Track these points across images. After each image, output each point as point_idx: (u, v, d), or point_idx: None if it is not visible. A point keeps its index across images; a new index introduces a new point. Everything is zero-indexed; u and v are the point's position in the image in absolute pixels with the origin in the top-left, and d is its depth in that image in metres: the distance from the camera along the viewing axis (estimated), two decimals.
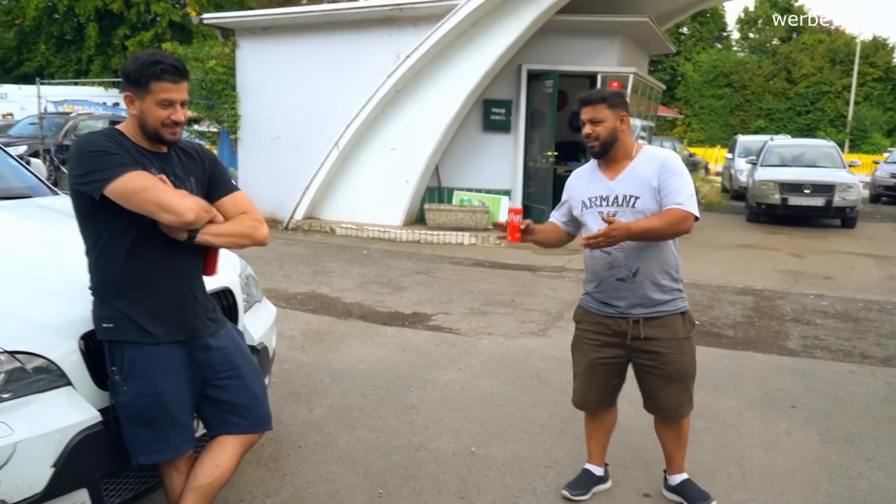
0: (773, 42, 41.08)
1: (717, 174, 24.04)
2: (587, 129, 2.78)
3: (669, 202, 2.68)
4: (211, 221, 2.25)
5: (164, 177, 2.17)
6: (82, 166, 2.12)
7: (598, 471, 3.11)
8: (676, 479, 3.04)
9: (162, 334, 2.22)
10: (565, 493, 3.03)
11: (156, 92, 2.16)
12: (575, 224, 2.98)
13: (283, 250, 8.73)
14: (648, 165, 2.77)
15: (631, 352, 2.86)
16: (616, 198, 2.78)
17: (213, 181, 2.39)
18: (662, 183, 2.71)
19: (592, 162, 2.96)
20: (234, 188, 2.45)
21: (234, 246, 2.38)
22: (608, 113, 2.76)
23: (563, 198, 3.03)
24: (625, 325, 2.81)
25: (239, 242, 2.35)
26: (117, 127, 2.28)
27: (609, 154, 2.81)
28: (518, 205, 10.32)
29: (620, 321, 2.82)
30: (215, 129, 12.44)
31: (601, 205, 2.80)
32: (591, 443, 3.12)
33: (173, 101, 2.19)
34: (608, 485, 3.12)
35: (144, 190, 2.08)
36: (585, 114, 2.78)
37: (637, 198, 2.74)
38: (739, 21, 44.32)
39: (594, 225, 2.77)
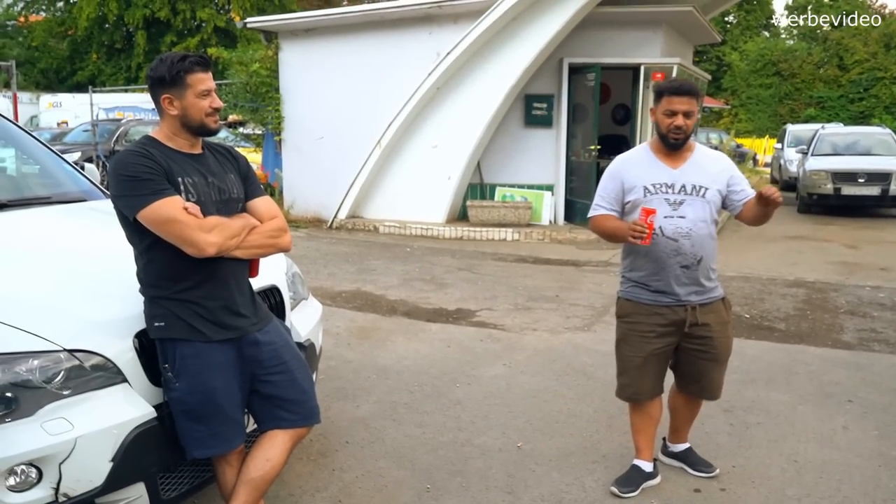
0: (824, 28, 39.86)
1: (766, 165, 23.49)
2: (679, 121, 2.78)
3: (745, 195, 2.90)
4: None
5: (194, 206, 2.19)
6: (117, 188, 2.20)
7: (647, 467, 3.07)
8: (681, 446, 3.20)
9: (211, 333, 2.27)
10: (614, 489, 3.00)
11: (194, 84, 2.24)
12: (622, 211, 2.95)
13: (327, 249, 8.84)
14: (715, 164, 2.94)
15: (683, 338, 2.91)
16: (683, 186, 2.85)
17: (246, 183, 2.47)
18: (733, 182, 2.90)
19: (644, 148, 2.98)
20: (262, 192, 2.52)
21: (259, 256, 2.42)
22: (696, 106, 2.82)
23: (614, 184, 2.94)
24: (682, 312, 2.87)
25: (264, 253, 2.42)
26: (151, 134, 2.33)
27: (684, 146, 2.87)
28: (561, 200, 10.26)
29: (678, 309, 2.87)
30: (259, 132, 12.64)
31: (666, 192, 2.85)
32: (639, 437, 3.09)
33: (210, 89, 2.27)
34: (657, 480, 3.08)
35: (170, 222, 2.13)
36: (681, 105, 2.78)
37: (707, 189, 2.85)
38: (787, 8, 43.12)
39: (660, 211, 2.79)
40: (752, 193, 2.88)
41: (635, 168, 2.93)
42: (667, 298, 2.87)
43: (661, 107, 2.83)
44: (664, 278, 2.85)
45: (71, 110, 22.27)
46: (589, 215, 3.01)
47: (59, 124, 21.47)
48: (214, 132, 2.34)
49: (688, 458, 3.17)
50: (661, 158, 2.90)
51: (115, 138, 14.64)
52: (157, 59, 2.29)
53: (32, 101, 24.17)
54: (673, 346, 2.94)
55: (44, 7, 31.28)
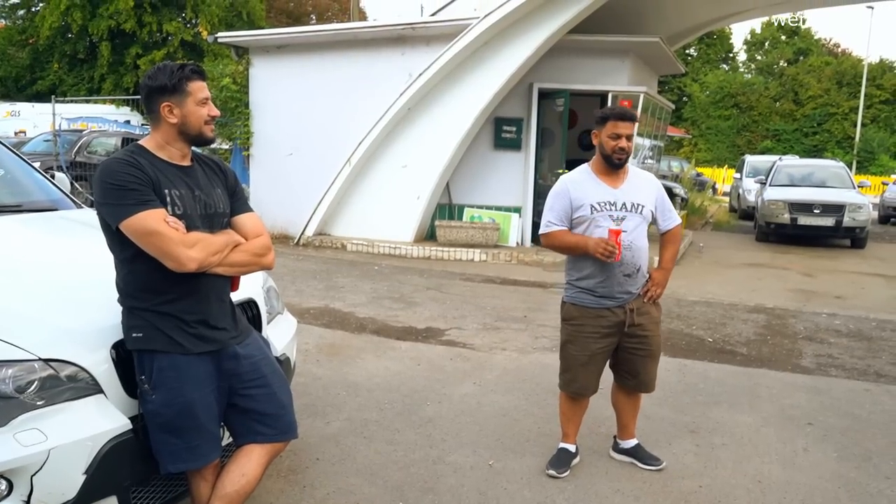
0: (780, 64, 41.23)
1: (725, 194, 24.07)
2: (622, 143, 3.12)
3: (671, 222, 3.34)
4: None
5: (176, 220, 2.17)
6: (102, 196, 2.17)
7: (572, 448, 3.45)
8: (630, 442, 3.49)
9: (191, 346, 2.24)
10: (552, 472, 3.32)
11: (194, 92, 2.25)
12: (570, 227, 3.24)
13: (295, 266, 8.78)
14: (647, 184, 3.29)
15: (624, 338, 3.24)
16: (624, 204, 3.17)
17: (233, 198, 2.45)
18: (661, 204, 3.30)
19: (585, 170, 3.27)
20: (249, 208, 2.51)
21: (242, 273, 2.42)
22: (634, 131, 3.16)
23: (563, 202, 3.21)
24: (622, 314, 3.20)
25: (247, 270, 2.42)
26: (141, 143, 2.31)
27: (624, 167, 3.21)
28: (528, 222, 10.37)
29: (618, 311, 3.19)
30: (227, 147, 12.55)
31: (610, 210, 3.16)
32: (568, 424, 3.44)
33: (208, 97, 2.29)
34: (578, 459, 3.45)
35: (152, 234, 2.11)
36: (624, 129, 3.10)
37: (643, 206, 3.21)
38: (746, 43, 44.53)
39: (605, 225, 3.12)
40: (677, 221, 3.34)
41: (581, 187, 3.21)
42: (609, 301, 3.19)
43: (605, 130, 3.14)
44: (609, 285, 3.17)
45: (30, 119, 21.78)
46: (542, 231, 3.27)
47: (16, 133, 20.98)
48: (211, 141, 2.35)
49: (637, 453, 3.45)
50: (603, 178, 3.21)
51: (76, 149, 14.33)
52: (153, 68, 2.28)
53: None
54: (613, 346, 3.26)
55: (4, 15, 30.68)
